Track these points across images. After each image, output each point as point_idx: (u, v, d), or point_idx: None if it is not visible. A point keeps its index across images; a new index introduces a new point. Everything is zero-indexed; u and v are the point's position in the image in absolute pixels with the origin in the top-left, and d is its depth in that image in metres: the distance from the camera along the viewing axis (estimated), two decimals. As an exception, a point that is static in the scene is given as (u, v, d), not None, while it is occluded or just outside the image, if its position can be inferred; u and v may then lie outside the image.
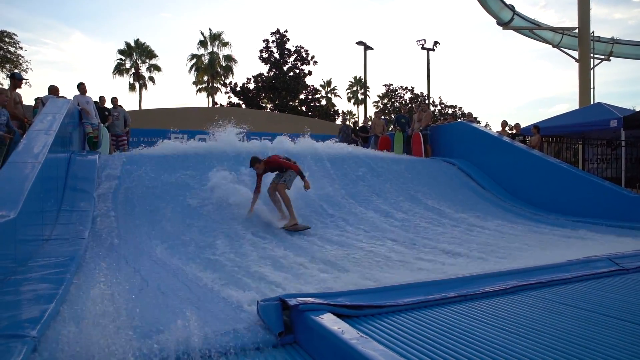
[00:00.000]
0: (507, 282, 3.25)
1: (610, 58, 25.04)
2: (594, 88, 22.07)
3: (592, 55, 22.52)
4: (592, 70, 22.37)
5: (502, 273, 3.50)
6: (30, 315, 2.49)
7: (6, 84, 23.47)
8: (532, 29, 24.21)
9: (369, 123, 15.18)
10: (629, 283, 3.42)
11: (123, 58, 38.76)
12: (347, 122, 16.74)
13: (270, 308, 2.62)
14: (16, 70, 22.19)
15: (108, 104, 11.35)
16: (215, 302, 3.28)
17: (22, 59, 24.23)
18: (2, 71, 23.74)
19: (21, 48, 24.35)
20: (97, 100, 10.88)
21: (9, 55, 23.65)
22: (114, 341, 2.15)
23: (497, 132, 12.77)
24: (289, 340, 2.52)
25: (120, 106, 11.50)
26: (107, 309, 2.56)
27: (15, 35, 24.19)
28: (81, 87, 9.76)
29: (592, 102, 20.12)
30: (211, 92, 38.40)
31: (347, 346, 2.08)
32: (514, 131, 13.41)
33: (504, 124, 13.58)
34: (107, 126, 10.49)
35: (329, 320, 2.38)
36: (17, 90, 7.98)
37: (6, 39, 23.56)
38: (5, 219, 3.32)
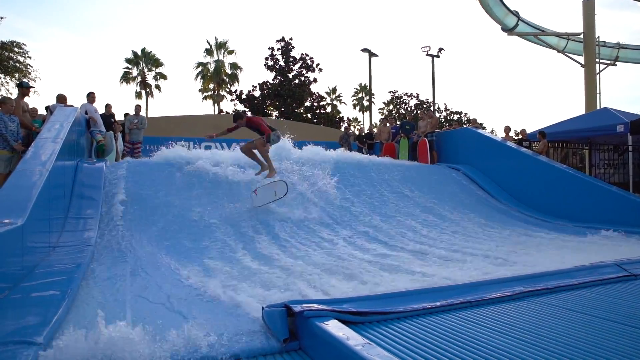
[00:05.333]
0: (513, 288, 3.23)
1: (616, 63, 24.90)
2: (600, 93, 21.95)
3: (597, 60, 22.41)
4: (598, 75, 22.26)
5: (508, 279, 3.48)
6: (37, 322, 2.51)
7: (15, 92, 23.76)
8: (537, 35, 24.16)
9: (375, 130, 15.21)
10: (637, 289, 3.38)
11: (130, 66, 39.16)
12: (349, 130, 16.70)
13: (275, 314, 2.62)
14: (24, 79, 22.47)
15: (118, 116, 11.71)
16: (220, 308, 3.29)
17: (30, 68, 24.46)
18: (11, 80, 23.96)
19: (30, 57, 24.58)
20: (105, 108, 11.03)
21: (18, 65, 23.87)
22: (119, 347, 2.16)
23: (501, 137, 12.74)
24: (293, 347, 2.52)
25: (141, 114, 11.90)
26: (113, 316, 2.57)
27: (25, 45, 24.45)
28: (90, 96, 9.87)
29: (598, 107, 19.99)
30: (217, 99, 38.60)
31: (352, 353, 2.07)
32: (521, 136, 13.35)
33: (507, 129, 13.52)
34: (129, 133, 11.11)
35: (334, 327, 2.37)
36: (25, 98, 8.07)
37: (16, 49, 23.80)
38: (13, 226, 3.35)
